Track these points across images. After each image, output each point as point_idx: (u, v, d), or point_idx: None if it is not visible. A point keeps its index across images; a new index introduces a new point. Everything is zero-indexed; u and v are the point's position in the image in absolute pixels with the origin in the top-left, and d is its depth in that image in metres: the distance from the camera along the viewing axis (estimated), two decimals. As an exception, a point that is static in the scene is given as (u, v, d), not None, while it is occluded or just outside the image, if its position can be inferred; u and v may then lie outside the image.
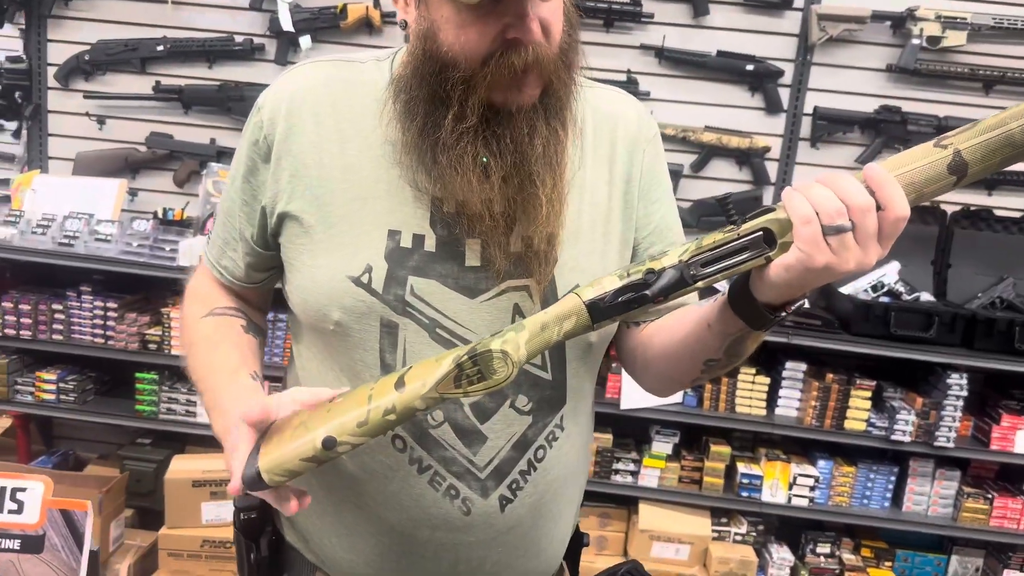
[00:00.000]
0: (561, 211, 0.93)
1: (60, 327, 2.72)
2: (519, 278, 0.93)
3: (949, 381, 2.63)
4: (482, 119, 0.88)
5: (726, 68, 2.81)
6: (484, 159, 0.90)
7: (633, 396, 2.71)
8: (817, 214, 0.73)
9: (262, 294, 1.12)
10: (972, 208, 2.84)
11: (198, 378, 1.00)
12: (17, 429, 2.92)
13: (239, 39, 2.85)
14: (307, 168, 0.95)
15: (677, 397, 2.76)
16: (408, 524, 0.97)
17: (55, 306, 2.72)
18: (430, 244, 0.93)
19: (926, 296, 2.75)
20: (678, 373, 1.00)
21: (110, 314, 2.70)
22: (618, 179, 1.01)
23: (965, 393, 2.62)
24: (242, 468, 0.81)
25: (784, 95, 2.83)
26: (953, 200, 2.85)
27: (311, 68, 0.99)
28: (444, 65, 0.87)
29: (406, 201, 0.93)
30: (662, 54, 2.81)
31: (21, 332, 2.72)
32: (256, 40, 2.85)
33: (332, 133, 0.95)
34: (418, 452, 0.95)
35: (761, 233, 0.77)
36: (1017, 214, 2.85)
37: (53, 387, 2.76)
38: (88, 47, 2.91)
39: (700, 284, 0.81)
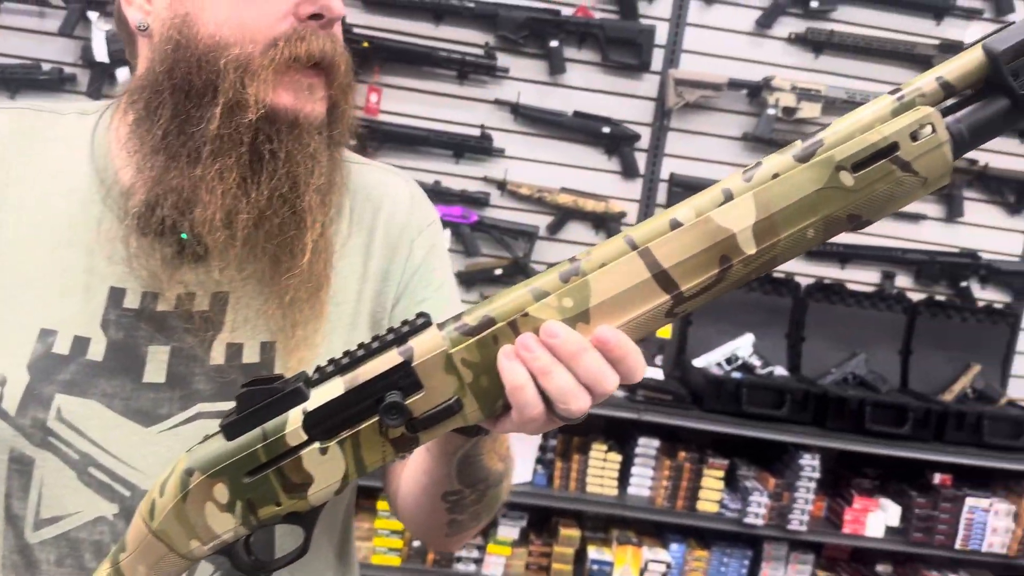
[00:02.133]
0: (289, 311, 0.71)
1: None
2: (217, 400, 0.71)
3: (802, 462, 2.53)
4: (256, 126, 0.67)
5: (583, 129, 2.70)
6: (184, 235, 0.69)
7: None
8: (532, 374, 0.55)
9: None
10: (826, 281, 2.80)
11: None
12: None
13: (46, 67, 2.54)
14: None
15: (526, 476, 2.56)
16: None
17: None
18: (96, 351, 0.69)
19: (780, 370, 2.68)
20: (424, 515, 0.78)
21: None
22: (372, 275, 0.79)
23: (818, 475, 2.53)
24: None
25: (641, 159, 2.74)
26: (807, 272, 2.81)
27: None
28: (210, 48, 0.66)
29: (73, 290, 0.70)
30: (517, 110, 2.68)
31: None
32: (67, 70, 2.55)
33: None
34: None
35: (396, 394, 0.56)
36: (870, 288, 2.84)
37: None
38: None
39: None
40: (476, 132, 2.67)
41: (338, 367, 0.56)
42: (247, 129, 0.67)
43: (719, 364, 2.64)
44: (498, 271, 2.72)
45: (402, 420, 0.54)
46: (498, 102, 2.68)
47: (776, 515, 2.52)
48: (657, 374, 2.66)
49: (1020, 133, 2.82)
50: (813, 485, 2.53)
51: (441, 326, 0.56)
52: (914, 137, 0.52)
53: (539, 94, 2.70)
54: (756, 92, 2.69)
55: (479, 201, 2.69)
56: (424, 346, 0.55)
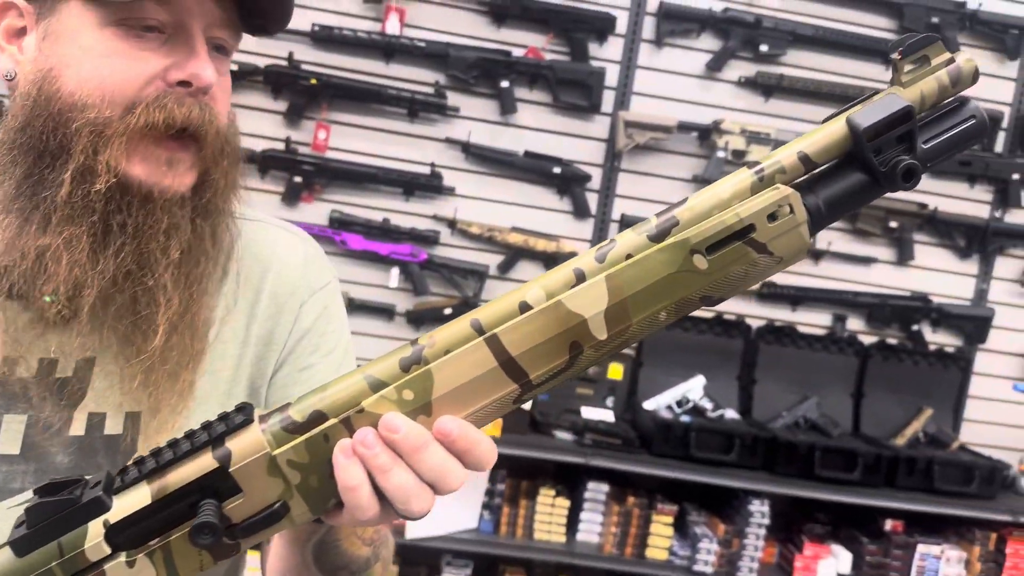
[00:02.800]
0: (159, 379, 0.67)
1: None
2: (75, 472, 0.65)
3: (751, 507, 2.49)
4: (108, 196, 0.63)
5: (534, 169, 2.69)
6: (49, 297, 0.64)
7: (420, 523, 2.42)
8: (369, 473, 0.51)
9: None
10: (777, 323, 2.79)
11: None
12: None
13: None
14: None
15: (471, 522, 2.50)
16: None
17: None
18: None
19: (731, 413, 2.65)
20: None
21: None
22: (255, 339, 0.74)
23: (767, 520, 2.50)
24: None
25: (592, 200, 2.73)
26: (758, 315, 2.80)
27: None
28: (67, 107, 0.62)
29: None
30: (468, 149, 2.66)
31: None
32: None
33: None
34: None
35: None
36: (821, 331, 2.83)
37: None
38: None
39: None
40: (426, 170, 2.65)
41: (143, 472, 0.51)
42: (98, 198, 0.63)
43: (670, 407, 2.60)
44: (448, 310, 2.68)
45: (214, 539, 0.49)
46: (449, 141, 2.67)
47: (726, 562, 2.47)
48: (607, 416, 2.62)
49: (969, 177, 2.85)
50: (763, 531, 2.49)
51: (264, 418, 0.51)
52: (772, 218, 0.50)
53: (490, 133, 2.69)
54: (706, 135, 2.70)
55: (429, 239, 2.66)
56: (244, 448, 0.50)
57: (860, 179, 0.52)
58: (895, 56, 0.51)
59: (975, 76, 0.52)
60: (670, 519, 2.49)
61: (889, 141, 0.50)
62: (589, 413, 2.61)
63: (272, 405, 0.74)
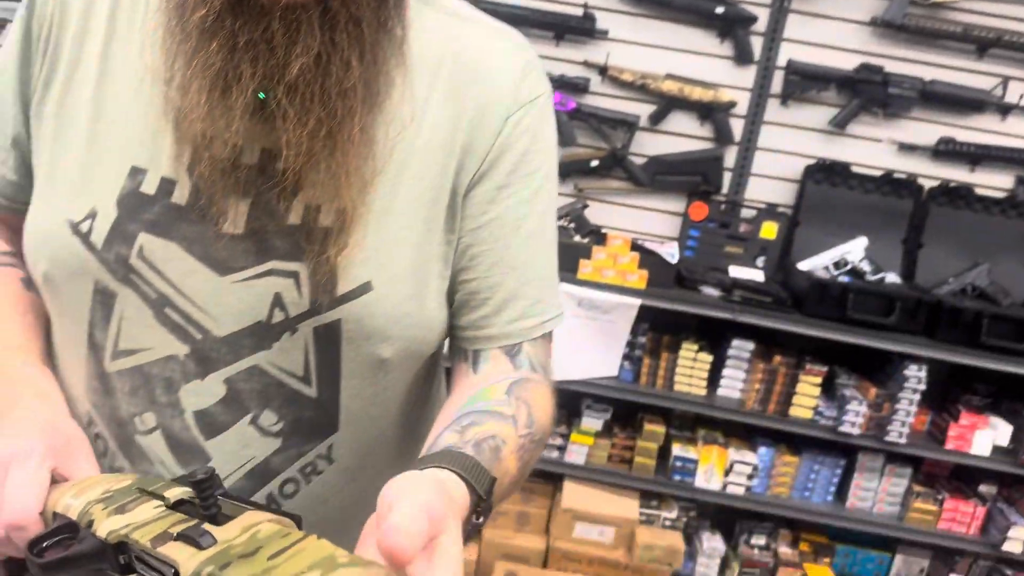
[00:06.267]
0: (366, 177, 0.68)
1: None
2: (289, 259, 0.69)
3: (907, 372, 2.40)
4: (228, 12, 0.62)
5: (694, 9, 2.51)
6: (261, 94, 0.65)
7: (563, 365, 2.48)
8: None
9: None
10: (952, 184, 2.58)
11: None
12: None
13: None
14: (61, 63, 0.70)
15: (612, 370, 2.54)
16: None
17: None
18: (180, 195, 0.68)
19: (892, 277, 2.51)
20: None
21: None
22: (458, 149, 0.72)
23: (923, 386, 2.40)
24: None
25: (756, 44, 2.54)
26: (931, 174, 2.59)
27: None
28: None
29: (165, 133, 0.68)
30: (624, -11, 2.51)
31: None
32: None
33: (101, 22, 0.70)
34: (119, 461, 0.73)
35: None
36: (1001, 194, 2.60)
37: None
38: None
39: None
40: (578, 12, 2.53)
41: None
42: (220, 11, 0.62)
43: (826, 268, 2.49)
44: (594, 162, 2.62)
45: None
46: (604, -21, 2.53)
47: (874, 425, 2.42)
48: (757, 276, 2.55)
49: None
50: (917, 397, 2.41)
51: None
52: None
53: (648, -29, 2.52)
54: (891, -31, 2.43)
55: (578, 87, 2.58)
56: None
57: None
58: None
59: None
60: (818, 380, 2.44)
61: None
62: (737, 272, 2.55)
63: (468, 219, 0.74)
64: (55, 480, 0.62)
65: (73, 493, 0.59)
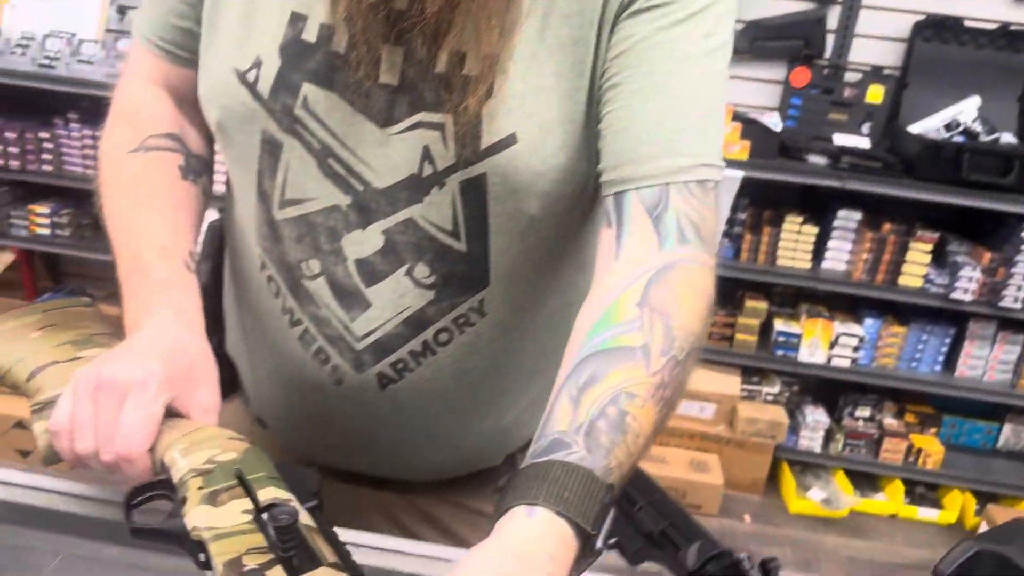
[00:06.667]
0: (508, 21, 0.65)
1: (49, 157, 2.55)
2: (435, 111, 0.67)
3: (1024, 234, 2.32)
4: None
5: None
6: None
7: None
8: None
9: None
10: (1077, 33, 2.41)
11: (116, 235, 0.74)
12: (21, 263, 2.83)
13: None
14: None
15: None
16: (288, 380, 0.80)
17: (42, 134, 2.54)
18: (340, 42, 0.67)
19: (1008, 137, 2.39)
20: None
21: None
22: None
23: (1042, 249, 2.32)
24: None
25: None
26: (1055, 23, 2.42)
27: None
28: None
29: None
30: None
31: (10, 162, 2.56)
32: None
33: None
34: (290, 302, 0.75)
35: None
36: None
37: (47, 220, 2.63)
38: None
39: None
40: None
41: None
42: None
43: (937, 130, 2.39)
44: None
45: None
46: None
47: (988, 291, 2.35)
48: (863, 143, 2.46)
49: None
50: (1035, 261, 2.33)
51: None
52: None
53: None
54: None
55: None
56: None
57: None
58: None
59: None
60: (929, 247, 2.38)
61: None
62: (842, 140, 2.46)
63: (614, 47, 0.67)
64: (171, 413, 0.61)
65: (182, 447, 0.58)
